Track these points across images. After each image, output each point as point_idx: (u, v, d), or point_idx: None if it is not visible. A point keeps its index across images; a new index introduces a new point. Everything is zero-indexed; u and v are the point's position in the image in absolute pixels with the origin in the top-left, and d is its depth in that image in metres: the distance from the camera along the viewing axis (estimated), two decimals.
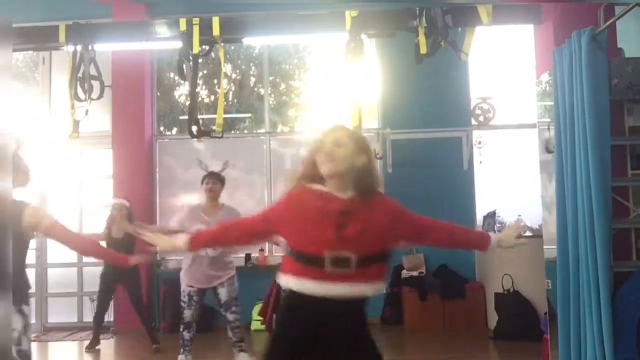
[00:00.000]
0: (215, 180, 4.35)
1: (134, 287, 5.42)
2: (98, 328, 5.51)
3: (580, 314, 3.11)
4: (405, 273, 6.11)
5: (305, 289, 2.02)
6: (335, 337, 2.04)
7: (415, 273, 6.07)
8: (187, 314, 4.37)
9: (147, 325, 5.48)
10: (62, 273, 6.58)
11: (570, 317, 3.17)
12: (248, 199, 6.00)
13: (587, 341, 3.05)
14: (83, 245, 2.99)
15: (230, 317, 4.32)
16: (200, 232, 2.73)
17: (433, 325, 5.75)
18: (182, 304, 4.41)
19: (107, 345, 5.74)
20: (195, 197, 6.67)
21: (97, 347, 5.47)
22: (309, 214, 2.07)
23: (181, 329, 4.41)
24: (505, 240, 2.31)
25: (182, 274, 4.42)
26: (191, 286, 4.34)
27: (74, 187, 6.60)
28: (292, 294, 2.09)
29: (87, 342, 5.73)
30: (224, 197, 4.57)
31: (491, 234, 2.38)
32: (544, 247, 3.94)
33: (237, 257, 5.55)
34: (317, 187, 2.12)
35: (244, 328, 4.45)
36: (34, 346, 5.77)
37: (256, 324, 5.96)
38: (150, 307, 5.97)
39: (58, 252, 5.81)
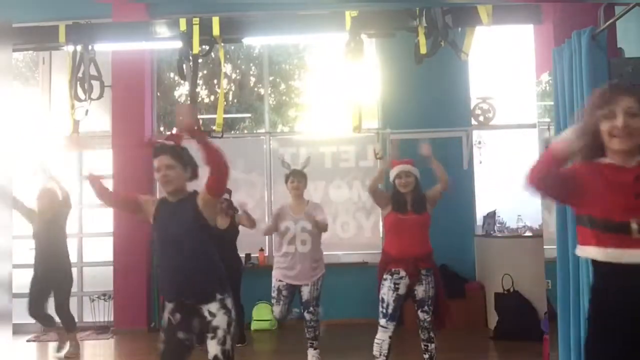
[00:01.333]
0: (299, 178, 4.42)
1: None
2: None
3: (580, 314, 3.11)
4: None
5: (611, 258, 1.94)
6: None
7: None
8: (276, 310, 4.38)
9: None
10: None
11: (570, 317, 3.17)
12: (248, 199, 5.97)
13: None
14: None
15: (307, 316, 4.33)
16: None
17: (433, 325, 5.72)
18: (272, 299, 4.43)
19: (107, 346, 5.73)
20: None
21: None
22: (601, 184, 1.98)
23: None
24: None
25: (274, 269, 4.45)
26: (280, 280, 4.35)
27: (74, 187, 6.58)
28: (601, 271, 2.01)
29: (87, 342, 5.73)
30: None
31: None
32: (544, 247, 3.94)
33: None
34: (601, 161, 2.04)
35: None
36: (34, 346, 5.82)
37: (256, 324, 5.96)
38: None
39: None
